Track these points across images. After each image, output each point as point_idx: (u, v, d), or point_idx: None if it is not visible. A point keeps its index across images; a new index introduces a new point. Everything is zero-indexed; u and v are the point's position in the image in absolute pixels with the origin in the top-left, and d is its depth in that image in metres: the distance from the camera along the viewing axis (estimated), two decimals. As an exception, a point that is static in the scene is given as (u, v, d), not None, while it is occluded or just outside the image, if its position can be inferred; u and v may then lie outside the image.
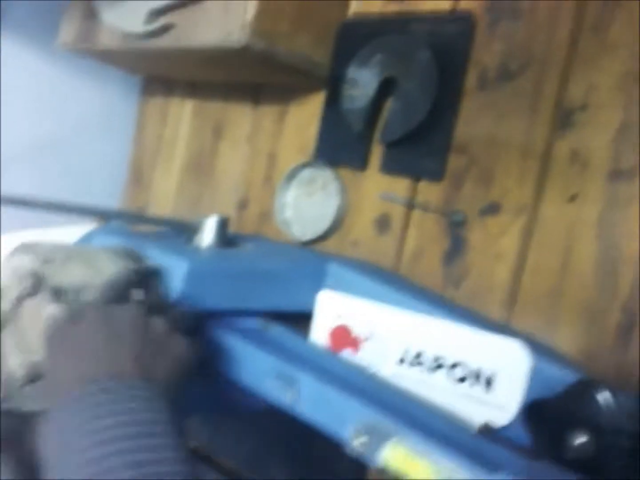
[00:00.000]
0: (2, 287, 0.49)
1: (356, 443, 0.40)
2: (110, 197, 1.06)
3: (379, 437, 0.39)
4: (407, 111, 0.70)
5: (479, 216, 0.66)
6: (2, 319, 0.47)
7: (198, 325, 0.51)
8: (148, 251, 0.54)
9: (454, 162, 0.68)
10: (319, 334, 0.61)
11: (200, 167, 0.96)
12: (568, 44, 0.62)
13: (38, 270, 0.47)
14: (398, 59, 0.70)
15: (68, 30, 0.86)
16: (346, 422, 0.42)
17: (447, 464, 0.36)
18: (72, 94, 1.00)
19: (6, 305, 0.48)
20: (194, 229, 0.63)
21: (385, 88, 0.72)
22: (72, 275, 0.48)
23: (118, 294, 0.48)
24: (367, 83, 0.72)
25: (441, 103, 0.68)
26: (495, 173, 0.66)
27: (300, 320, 0.62)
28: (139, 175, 1.06)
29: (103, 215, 0.64)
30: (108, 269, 0.50)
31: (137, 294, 0.49)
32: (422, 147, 0.70)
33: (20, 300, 0.47)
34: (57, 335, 0.45)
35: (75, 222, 0.96)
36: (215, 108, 0.95)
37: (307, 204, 0.81)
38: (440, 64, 0.68)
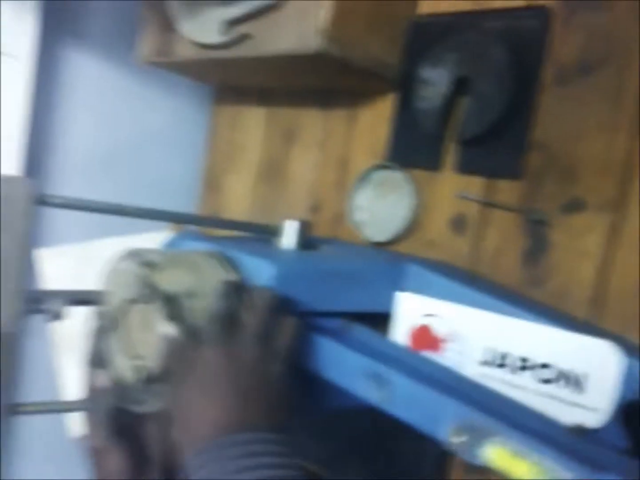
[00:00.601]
0: (107, 291, 0.50)
1: (455, 442, 0.40)
2: (185, 204, 1.09)
3: (479, 436, 0.39)
4: (483, 109, 0.69)
5: (561, 214, 0.65)
6: (106, 322, 0.49)
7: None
8: (232, 254, 0.55)
9: (533, 159, 0.67)
10: (399, 334, 0.61)
11: (273, 172, 0.98)
12: (652, 34, 0.60)
13: (146, 276, 0.47)
14: (472, 57, 0.70)
15: (145, 45, 0.89)
16: (442, 421, 0.42)
17: (552, 463, 0.36)
18: (146, 104, 1.04)
19: (112, 308, 0.49)
20: (275, 233, 0.64)
21: (458, 86, 0.71)
22: (180, 281, 0.48)
23: (226, 303, 0.49)
24: (440, 82, 0.72)
25: (518, 100, 0.67)
26: (577, 170, 0.64)
27: (375, 320, 0.62)
28: (212, 182, 1.08)
29: (183, 221, 0.66)
30: (212, 275, 0.50)
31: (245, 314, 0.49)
32: (499, 145, 0.69)
33: (129, 304, 0.48)
34: (180, 366, 0.45)
35: (150, 229, 0.99)
36: (286, 114, 0.96)
37: (380, 205, 0.81)
38: (516, 60, 0.67)
